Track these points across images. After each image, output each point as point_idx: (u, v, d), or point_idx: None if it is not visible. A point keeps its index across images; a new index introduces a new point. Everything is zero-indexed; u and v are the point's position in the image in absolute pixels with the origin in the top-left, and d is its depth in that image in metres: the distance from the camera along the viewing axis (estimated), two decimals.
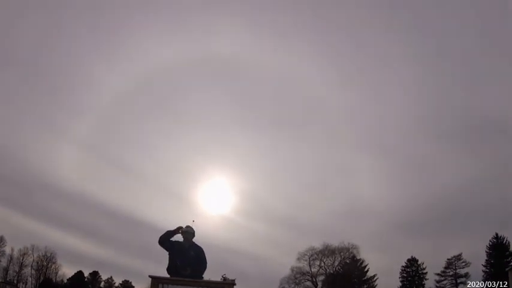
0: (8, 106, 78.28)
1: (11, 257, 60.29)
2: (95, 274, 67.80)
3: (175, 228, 7.09)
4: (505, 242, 50.10)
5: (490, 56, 76.76)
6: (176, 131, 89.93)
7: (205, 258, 7.13)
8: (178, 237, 7.20)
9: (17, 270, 61.24)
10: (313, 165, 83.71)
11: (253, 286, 53.88)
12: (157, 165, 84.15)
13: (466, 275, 53.10)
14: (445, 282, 54.91)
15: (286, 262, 66.39)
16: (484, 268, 50.70)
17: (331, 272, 58.25)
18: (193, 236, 7.19)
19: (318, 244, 59.25)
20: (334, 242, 58.73)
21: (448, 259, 54.94)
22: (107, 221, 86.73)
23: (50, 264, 63.68)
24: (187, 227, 7.17)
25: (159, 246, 7.09)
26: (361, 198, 72.46)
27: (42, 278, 62.46)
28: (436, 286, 55.35)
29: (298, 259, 58.71)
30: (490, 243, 51.03)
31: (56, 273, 64.33)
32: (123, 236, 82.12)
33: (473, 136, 77.67)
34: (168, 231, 7.03)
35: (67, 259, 66.34)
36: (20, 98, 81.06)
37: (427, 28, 76.67)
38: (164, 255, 7.14)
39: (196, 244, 7.16)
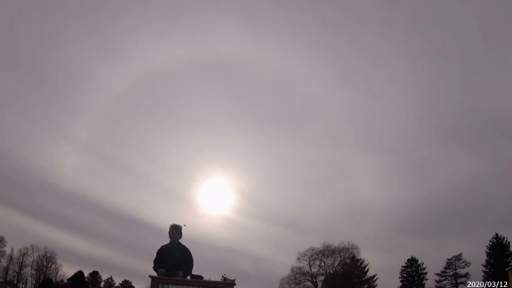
0: (8, 106, 78.52)
1: (11, 257, 60.48)
2: (95, 274, 67.83)
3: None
4: (505, 242, 50.06)
5: (489, 55, 76.77)
6: (176, 131, 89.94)
7: (192, 258, 7.09)
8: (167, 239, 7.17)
9: (17, 270, 61.38)
10: (314, 165, 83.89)
11: (253, 286, 53.87)
12: (157, 165, 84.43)
13: (466, 275, 53.14)
14: (445, 282, 54.87)
15: (286, 262, 66.58)
16: (484, 268, 50.70)
17: (331, 272, 58.18)
18: (181, 235, 7.16)
19: (318, 244, 59.34)
20: (335, 242, 58.77)
21: (448, 259, 54.99)
22: (107, 221, 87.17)
23: (50, 264, 63.81)
24: (174, 224, 7.16)
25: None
26: (361, 198, 72.58)
27: (42, 278, 62.48)
28: (436, 286, 55.33)
29: (298, 259, 58.77)
30: (490, 243, 51.00)
31: (56, 273, 64.46)
32: (123, 236, 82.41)
33: (473, 136, 77.69)
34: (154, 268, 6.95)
35: (67, 259, 66.56)
36: (20, 98, 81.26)
37: (427, 27, 76.60)
38: None
39: (182, 244, 7.13)
